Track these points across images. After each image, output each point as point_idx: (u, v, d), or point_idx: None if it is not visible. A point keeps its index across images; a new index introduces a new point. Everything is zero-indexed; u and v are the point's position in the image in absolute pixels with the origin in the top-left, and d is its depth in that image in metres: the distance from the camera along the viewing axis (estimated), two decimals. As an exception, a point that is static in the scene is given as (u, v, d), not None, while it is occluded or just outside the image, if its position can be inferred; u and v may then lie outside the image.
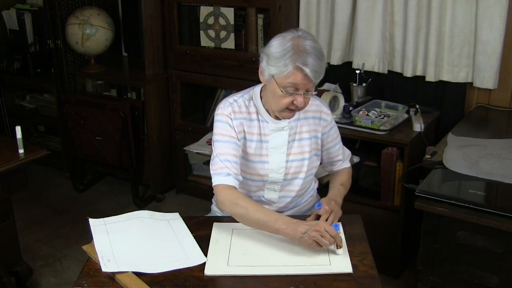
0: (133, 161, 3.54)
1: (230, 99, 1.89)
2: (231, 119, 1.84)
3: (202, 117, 3.61)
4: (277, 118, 1.86)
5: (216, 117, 1.87)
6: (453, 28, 2.75)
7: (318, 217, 1.79)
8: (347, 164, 2.10)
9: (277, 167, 1.89)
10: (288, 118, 1.84)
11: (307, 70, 1.66)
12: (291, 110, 1.78)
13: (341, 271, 1.57)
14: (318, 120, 1.93)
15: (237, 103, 1.87)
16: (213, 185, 1.81)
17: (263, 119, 1.87)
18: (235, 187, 1.79)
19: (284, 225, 1.66)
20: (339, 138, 2.03)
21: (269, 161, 1.88)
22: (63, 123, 3.70)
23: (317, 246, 1.62)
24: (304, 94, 1.73)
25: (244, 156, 1.88)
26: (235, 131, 1.84)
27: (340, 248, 1.63)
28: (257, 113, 1.87)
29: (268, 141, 1.88)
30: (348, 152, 2.10)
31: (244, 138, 1.87)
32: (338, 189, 1.97)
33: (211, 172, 1.82)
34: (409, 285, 2.74)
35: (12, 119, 4.13)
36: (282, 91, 1.72)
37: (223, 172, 1.79)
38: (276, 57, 1.69)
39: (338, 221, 1.78)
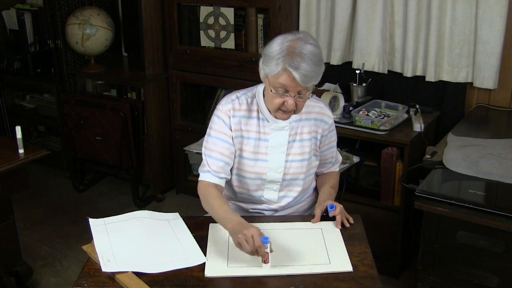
0: (133, 161, 3.54)
1: (233, 95, 1.90)
2: (229, 116, 1.86)
3: (202, 117, 3.61)
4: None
5: (215, 112, 1.90)
6: (453, 28, 2.75)
7: (331, 219, 1.82)
8: (336, 168, 2.11)
9: (276, 166, 1.89)
10: (282, 119, 1.84)
11: (295, 73, 1.66)
12: (284, 111, 1.78)
13: (341, 270, 1.57)
14: (320, 122, 1.93)
15: (239, 100, 1.88)
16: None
17: (264, 117, 1.87)
18: (213, 184, 1.84)
19: (231, 224, 1.67)
20: (335, 142, 2.04)
21: (268, 159, 1.89)
22: (63, 123, 3.70)
23: (241, 248, 1.59)
24: (295, 97, 1.73)
25: (241, 155, 1.89)
26: (231, 130, 1.86)
27: (266, 263, 1.57)
28: (258, 111, 1.88)
29: (268, 140, 1.88)
30: (340, 158, 2.11)
31: (241, 136, 1.88)
32: (329, 192, 1.97)
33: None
34: (409, 285, 2.74)
35: (12, 119, 4.13)
36: (272, 91, 1.74)
37: (204, 169, 1.87)
38: (270, 57, 1.71)
39: None
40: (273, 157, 1.89)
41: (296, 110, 1.78)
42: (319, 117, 1.93)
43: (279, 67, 1.68)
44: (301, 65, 1.65)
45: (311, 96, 1.80)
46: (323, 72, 1.74)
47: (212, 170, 1.84)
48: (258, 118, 1.88)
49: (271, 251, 1.58)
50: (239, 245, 1.59)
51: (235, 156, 1.89)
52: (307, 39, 1.72)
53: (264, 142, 1.88)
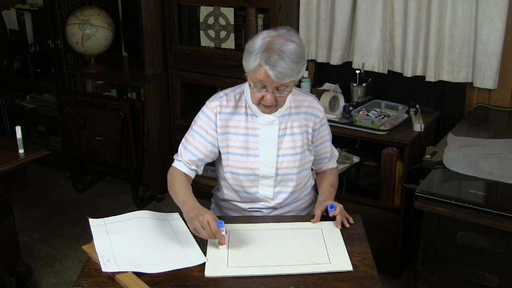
0: (133, 161, 3.54)
1: (222, 93, 1.95)
2: (215, 113, 1.90)
3: (202, 117, 3.60)
4: None
5: (203, 108, 1.94)
6: (453, 28, 2.75)
7: (331, 219, 1.82)
8: (334, 164, 2.11)
9: (268, 161, 1.90)
10: (266, 114, 1.86)
11: (270, 70, 1.68)
12: (265, 106, 1.80)
13: (341, 269, 1.57)
14: (310, 116, 1.94)
15: (227, 97, 1.92)
16: None
17: (253, 113, 1.89)
18: (181, 172, 1.92)
19: (185, 207, 1.76)
20: (329, 136, 2.03)
21: (259, 154, 1.90)
22: (63, 123, 3.70)
23: (198, 234, 1.67)
24: (274, 92, 1.75)
25: (229, 151, 1.91)
26: (216, 126, 1.90)
27: (222, 244, 1.66)
28: (246, 107, 1.90)
29: (258, 135, 1.90)
30: (336, 153, 2.11)
31: (227, 133, 1.90)
32: (329, 191, 1.98)
33: None
34: (409, 285, 2.74)
35: (12, 119, 4.13)
36: (251, 85, 1.77)
37: (177, 157, 1.96)
38: (250, 52, 1.73)
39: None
40: (265, 152, 1.90)
41: (277, 105, 1.80)
42: (309, 111, 1.94)
43: (256, 62, 1.70)
44: (278, 62, 1.67)
45: (291, 91, 1.82)
46: (303, 69, 1.76)
47: (184, 160, 1.92)
48: (246, 114, 1.90)
49: (226, 233, 1.69)
50: (195, 231, 1.66)
51: (222, 153, 1.92)
52: (289, 36, 1.72)
53: (253, 137, 1.90)
